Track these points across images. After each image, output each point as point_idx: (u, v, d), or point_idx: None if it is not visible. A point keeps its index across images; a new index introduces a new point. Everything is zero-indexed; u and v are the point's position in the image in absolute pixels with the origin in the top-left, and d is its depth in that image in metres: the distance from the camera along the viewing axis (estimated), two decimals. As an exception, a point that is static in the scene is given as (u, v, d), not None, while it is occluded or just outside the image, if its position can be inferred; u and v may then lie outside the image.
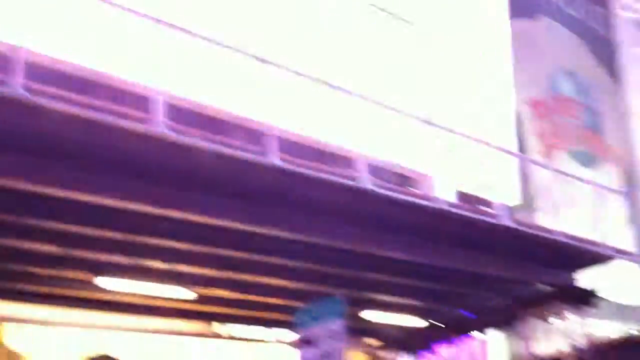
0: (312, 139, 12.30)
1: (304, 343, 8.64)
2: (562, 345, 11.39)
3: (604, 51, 25.33)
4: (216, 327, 12.59)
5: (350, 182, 8.22)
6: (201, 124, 9.26)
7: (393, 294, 11.38)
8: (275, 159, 7.47)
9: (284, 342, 12.77)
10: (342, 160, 9.63)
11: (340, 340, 8.26)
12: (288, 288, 10.49)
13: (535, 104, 20.79)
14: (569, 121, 22.08)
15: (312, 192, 8.07)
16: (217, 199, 7.75)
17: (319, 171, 7.95)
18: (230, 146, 7.24)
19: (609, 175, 21.16)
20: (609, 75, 25.42)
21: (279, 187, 7.86)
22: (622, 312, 19.89)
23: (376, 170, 9.56)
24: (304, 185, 7.90)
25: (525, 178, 15.94)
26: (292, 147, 10.73)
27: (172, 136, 6.68)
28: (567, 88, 22.84)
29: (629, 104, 25.24)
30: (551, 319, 11.95)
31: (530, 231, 10.38)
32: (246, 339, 13.09)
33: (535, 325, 11.91)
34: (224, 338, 12.79)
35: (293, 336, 10.70)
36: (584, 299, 11.57)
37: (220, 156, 7.06)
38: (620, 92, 25.47)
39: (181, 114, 8.35)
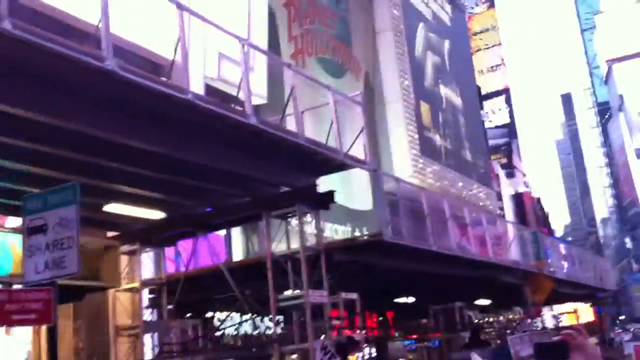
0: (55, 9, 11.10)
1: (32, 230, 7.99)
2: (296, 245, 11.77)
3: (361, -35, 26.07)
4: None
5: (94, 61, 7.47)
6: None
7: (135, 186, 10.86)
8: (6, 23, 6.49)
9: (8, 229, 11.85)
10: (88, 38, 8.75)
11: (73, 228, 7.73)
12: (16, 171, 9.47)
13: (290, 7, 20.87)
14: (322, 29, 22.54)
15: (48, 66, 7.29)
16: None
17: (60, 45, 7.09)
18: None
19: (352, 85, 22.12)
20: (364, -11, 26.35)
21: (10, 56, 6.96)
22: (352, 216, 21.35)
23: (125, 53, 8.87)
24: (40, 58, 7.06)
25: (275, 80, 16.01)
26: (32, 16, 9.59)
27: None
28: (323, -4, 23.23)
29: (377, 20, 26.44)
30: (290, 220, 12.30)
31: (275, 133, 10.40)
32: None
33: (274, 224, 12.17)
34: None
35: (20, 222, 9.85)
36: (320, 203, 11.99)
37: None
38: (372, 7, 26.54)
39: None
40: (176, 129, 9.41)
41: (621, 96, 78.44)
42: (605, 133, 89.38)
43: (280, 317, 12.46)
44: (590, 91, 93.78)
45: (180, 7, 9.19)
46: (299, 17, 21.12)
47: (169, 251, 13.51)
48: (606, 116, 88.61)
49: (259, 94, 14.53)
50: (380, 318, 19.65)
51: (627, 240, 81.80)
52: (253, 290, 12.29)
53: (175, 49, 8.89)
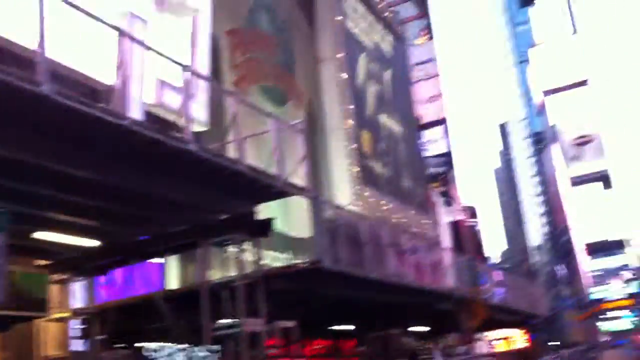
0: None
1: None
2: (235, 273, 11.66)
3: (304, -7, 26.26)
4: None
5: (29, 86, 7.32)
6: None
7: (67, 213, 10.61)
8: None
9: None
10: (23, 62, 8.57)
11: (0, 257, 7.53)
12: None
13: (233, 35, 20.83)
14: (264, 56, 22.55)
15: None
16: None
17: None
18: None
19: (294, 113, 22.11)
20: (306, 18, 26.48)
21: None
22: (290, 243, 21.26)
23: (61, 78, 8.69)
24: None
25: (216, 106, 15.91)
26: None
27: None
28: (265, 24, 23.26)
29: (319, 49, 26.62)
30: (227, 248, 12.17)
31: (214, 159, 10.32)
32: None
33: (211, 252, 12.03)
34: None
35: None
36: (260, 230, 11.92)
37: None
38: (314, 36, 26.72)
39: None
40: (114, 155, 9.26)
41: (554, 127, 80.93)
42: (540, 162, 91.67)
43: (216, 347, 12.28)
44: (525, 122, 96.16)
45: (122, 33, 9.11)
46: (241, 45, 21.10)
47: (103, 279, 13.18)
48: (539, 146, 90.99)
49: (199, 120, 14.40)
50: (318, 346, 19.60)
51: (560, 267, 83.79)
52: (188, 319, 12.11)
53: (116, 74, 8.77)
